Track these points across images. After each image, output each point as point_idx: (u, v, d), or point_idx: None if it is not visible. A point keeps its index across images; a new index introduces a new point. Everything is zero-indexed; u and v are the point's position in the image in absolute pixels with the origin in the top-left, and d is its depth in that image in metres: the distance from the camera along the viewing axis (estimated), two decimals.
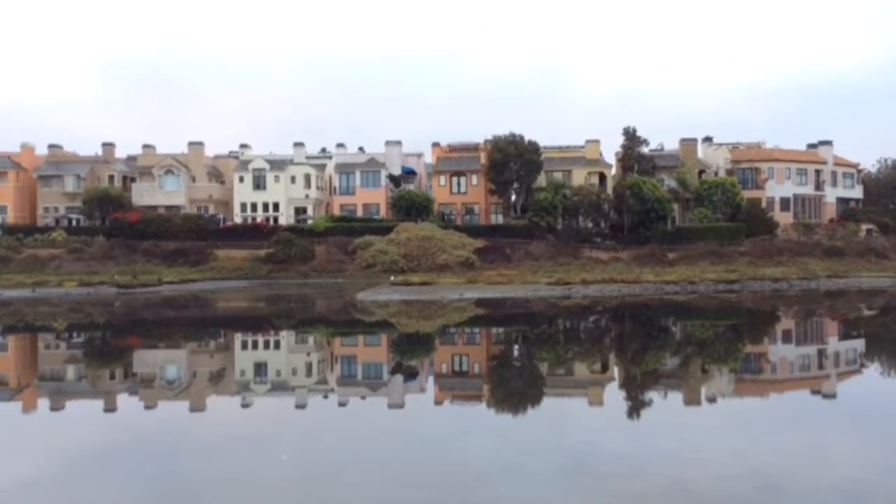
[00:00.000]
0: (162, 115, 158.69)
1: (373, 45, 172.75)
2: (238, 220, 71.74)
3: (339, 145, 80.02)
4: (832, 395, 14.70)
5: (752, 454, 9.96)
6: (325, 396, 15.07)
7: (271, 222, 70.32)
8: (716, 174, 73.35)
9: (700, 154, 77.19)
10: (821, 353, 20.65)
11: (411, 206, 68.56)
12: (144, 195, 72.36)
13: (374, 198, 72.69)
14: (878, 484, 8.77)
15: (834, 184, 76.90)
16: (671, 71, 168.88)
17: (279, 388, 16.11)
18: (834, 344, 22.93)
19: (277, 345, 24.39)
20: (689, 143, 76.12)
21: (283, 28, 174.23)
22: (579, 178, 71.18)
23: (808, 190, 74.97)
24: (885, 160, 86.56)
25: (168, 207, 71.65)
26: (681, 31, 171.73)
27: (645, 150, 71.77)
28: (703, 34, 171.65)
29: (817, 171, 75.76)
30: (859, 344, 22.91)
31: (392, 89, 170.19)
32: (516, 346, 22.96)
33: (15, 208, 72.48)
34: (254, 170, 72.84)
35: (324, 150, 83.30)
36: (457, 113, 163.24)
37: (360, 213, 71.90)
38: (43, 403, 14.68)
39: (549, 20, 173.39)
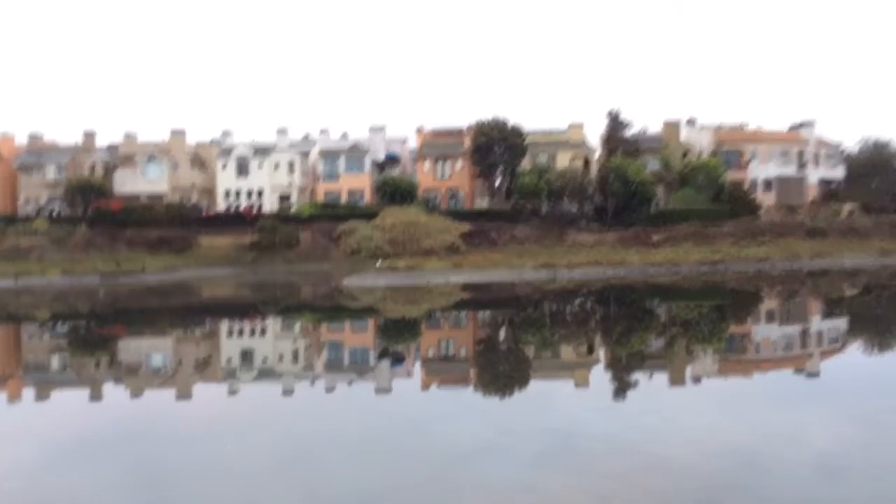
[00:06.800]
0: (143, 103, 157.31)
1: (355, 30, 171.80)
2: (221, 207, 71.28)
3: (323, 131, 79.49)
4: (815, 374, 14.85)
5: (736, 432, 10.08)
6: (312, 382, 15.07)
7: (255, 209, 69.95)
8: (699, 156, 73.50)
9: (683, 136, 77.21)
10: (804, 333, 20.84)
11: (396, 192, 68.36)
12: (126, 183, 71.69)
13: (358, 183, 72.44)
14: (857, 459, 8.91)
15: (816, 164, 77.15)
16: (656, 52, 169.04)
17: (266, 374, 16.10)
18: (817, 323, 23.15)
19: (263, 332, 24.34)
20: (672, 125, 76.12)
21: (263, 12, 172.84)
22: (563, 161, 71.19)
23: (791, 171, 75.26)
24: (867, 140, 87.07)
25: (150, 196, 71.01)
26: (664, 14, 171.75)
27: (629, 132, 71.83)
28: (687, 15, 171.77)
29: (800, 152, 76.06)
30: (842, 322, 23.14)
31: (375, 74, 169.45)
32: (502, 330, 23.03)
33: None
34: (237, 157, 72.35)
35: (307, 136, 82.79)
36: (441, 97, 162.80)
37: (344, 198, 71.62)
38: (28, 393, 14.60)
39: (531, 3, 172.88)
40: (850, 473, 8.43)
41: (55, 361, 18.64)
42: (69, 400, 13.88)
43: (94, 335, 24.38)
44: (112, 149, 77.22)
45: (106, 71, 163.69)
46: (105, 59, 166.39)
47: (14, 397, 14.36)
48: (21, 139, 76.26)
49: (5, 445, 10.48)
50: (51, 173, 72.36)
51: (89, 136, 76.62)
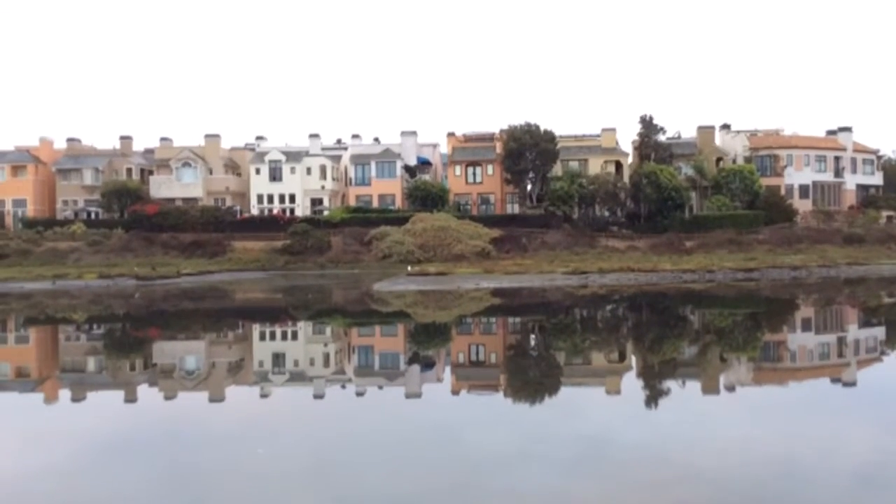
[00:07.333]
0: (178, 108, 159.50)
1: (388, 35, 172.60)
2: (255, 211, 72.04)
3: (355, 136, 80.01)
4: (852, 383, 14.58)
5: (771, 442, 9.91)
6: (343, 386, 15.12)
7: (288, 214, 70.52)
8: (734, 162, 72.73)
9: (718, 141, 76.52)
10: (841, 341, 20.48)
11: (427, 197, 68.48)
12: (162, 187, 72.74)
13: (389, 188, 72.72)
14: None
15: (853, 170, 76.00)
16: (690, 56, 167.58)
17: (297, 378, 16.18)
18: (854, 332, 22.72)
19: (295, 335, 24.49)
20: (706, 131, 75.38)
21: (297, 18, 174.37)
22: (595, 166, 70.81)
23: (828, 177, 74.16)
24: None
25: (185, 200, 71.96)
26: (696, 17, 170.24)
27: (662, 137, 71.29)
28: (723, 20, 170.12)
29: (836, 158, 74.91)
30: (880, 332, 22.71)
31: (407, 79, 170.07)
32: (533, 336, 22.93)
33: (34, 202, 73.08)
34: (270, 161, 73.02)
35: (339, 140, 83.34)
36: (472, 102, 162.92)
37: (375, 203, 71.93)
38: (64, 394, 14.82)
39: (565, 7, 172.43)
40: (889, 484, 8.25)
41: (91, 363, 18.92)
42: (104, 401, 14.06)
43: (130, 338, 24.69)
44: (148, 153, 78.48)
45: (142, 77, 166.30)
46: (142, 65, 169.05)
47: (50, 398, 14.59)
48: (59, 144, 77.71)
49: (41, 446, 10.64)
50: (88, 177, 73.60)
51: (126, 141, 77.93)
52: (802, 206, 70.85)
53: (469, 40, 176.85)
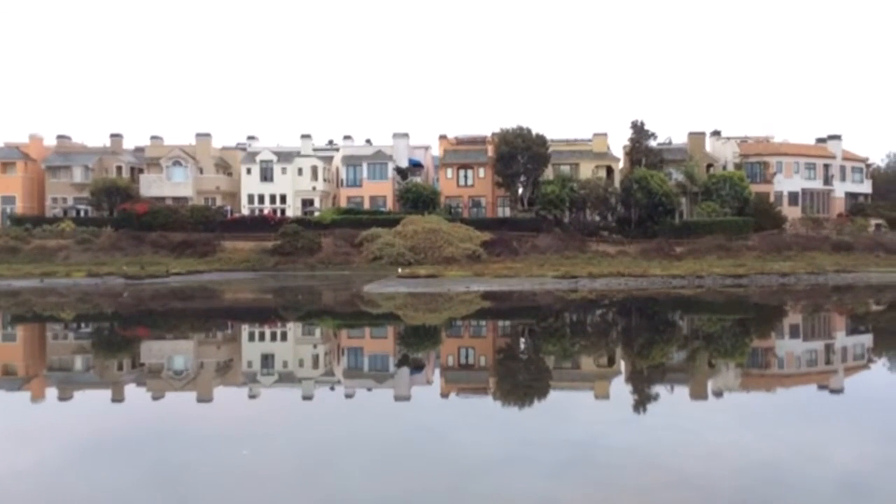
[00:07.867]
0: (169, 106, 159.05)
1: (381, 37, 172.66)
2: (245, 211, 71.87)
3: (346, 137, 79.93)
4: (839, 390, 14.64)
5: (759, 448, 9.94)
6: (332, 388, 15.08)
7: (278, 214, 70.39)
8: (724, 168, 73.08)
9: (708, 148, 76.88)
10: (828, 348, 20.56)
11: (418, 199, 68.52)
12: (152, 186, 72.47)
13: (380, 190, 72.69)
14: (883, 477, 8.75)
15: (843, 178, 76.50)
16: (682, 63, 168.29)
17: (286, 379, 16.13)
18: (841, 339, 22.82)
19: (284, 336, 24.42)
20: (697, 137, 75.75)
21: (289, 18, 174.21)
22: (587, 171, 71.01)
23: (817, 184, 74.63)
24: (894, 154, 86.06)
25: (175, 199, 71.74)
26: (688, 23, 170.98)
27: (653, 143, 71.59)
28: (715, 27, 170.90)
29: (826, 166, 75.39)
30: (867, 339, 22.81)
31: (399, 80, 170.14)
32: (522, 339, 22.93)
33: (23, 199, 72.69)
34: (261, 161, 72.87)
35: (331, 142, 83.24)
36: (465, 105, 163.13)
37: (366, 205, 71.89)
38: (51, 393, 14.73)
39: (557, 12, 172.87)
40: (874, 492, 8.29)
41: (78, 362, 18.81)
42: (91, 400, 13.98)
43: (117, 337, 24.57)
44: (138, 151, 78.18)
45: (134, 74, 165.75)
46: (133, 62, 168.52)
47: (37, 397, 14.49)
48: (49, 141, 77.33)
49: (27, 445, 10.57)
50: (78, 175, 73.25)
51: (116, 139, 77.58)
52: (792, 213, 71.27)
53: (462, 43, 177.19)
